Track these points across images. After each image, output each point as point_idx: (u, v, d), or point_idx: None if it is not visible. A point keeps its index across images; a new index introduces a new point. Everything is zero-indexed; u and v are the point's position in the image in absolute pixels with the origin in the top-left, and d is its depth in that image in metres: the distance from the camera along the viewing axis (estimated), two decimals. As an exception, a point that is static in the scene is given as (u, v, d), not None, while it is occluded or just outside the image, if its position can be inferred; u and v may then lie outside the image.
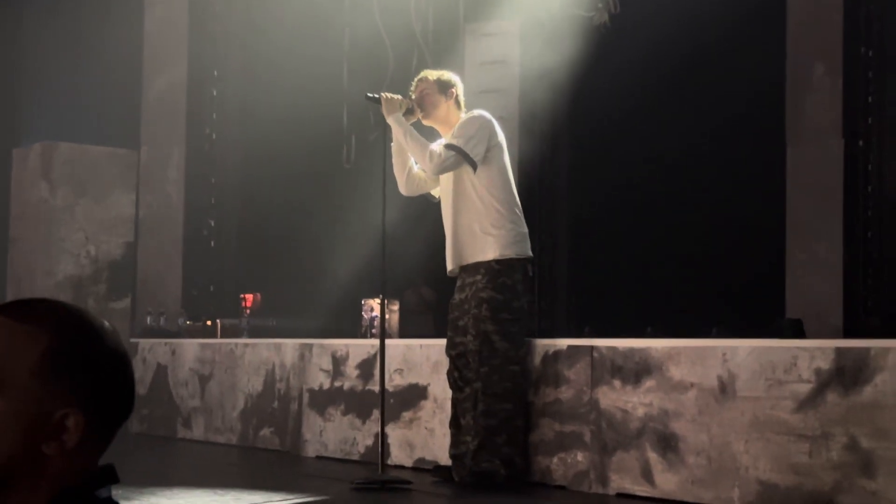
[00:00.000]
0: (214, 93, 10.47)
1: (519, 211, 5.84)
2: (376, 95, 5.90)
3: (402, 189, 6.03)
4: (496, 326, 5.67)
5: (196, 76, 10.35)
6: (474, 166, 5.73)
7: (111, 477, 1.46)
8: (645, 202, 7.99)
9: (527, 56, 8.27)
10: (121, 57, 10.40)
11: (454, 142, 5.75)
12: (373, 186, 5.91)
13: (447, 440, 5.94)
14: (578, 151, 8.43)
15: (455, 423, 5.84)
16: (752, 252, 7.37)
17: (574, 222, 8.44)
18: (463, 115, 5.93)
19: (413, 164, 5.99)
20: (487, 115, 5.89)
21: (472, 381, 5.72)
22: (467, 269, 5.83)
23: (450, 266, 5.90)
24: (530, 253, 5.85)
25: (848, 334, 6.22)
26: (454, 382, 5.86)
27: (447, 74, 6.02)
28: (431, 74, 6.00)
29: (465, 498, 5.53)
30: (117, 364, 1.45)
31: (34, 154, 9.01)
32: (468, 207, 5.77)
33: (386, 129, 5.93)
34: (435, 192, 6.06)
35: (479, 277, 5.73)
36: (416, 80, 6.00)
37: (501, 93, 8.31)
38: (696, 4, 7.31)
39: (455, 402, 5.86)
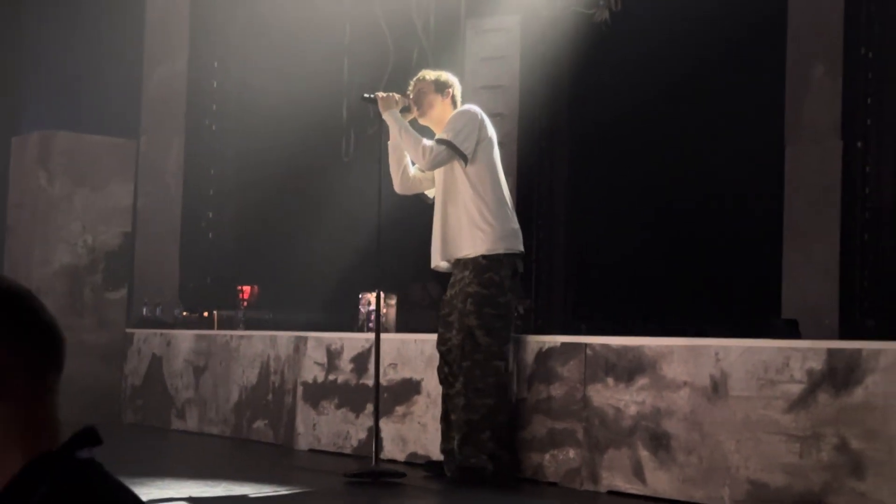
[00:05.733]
0: (215, 84, 10.45)
1: (509, 206, 5.82)
2: (372, 95, 5.92)
3: (397, 187, 6.03)
4: (479, 321, 5.65)
5: (197, 67, 10.33)
6: (465, 160, 5.72)
7: (92, 438, 1.43)
8: (643, 199, 7.97)
9: (527, 52, 8.26)
10: (121, 46, 10.38)
11: (444, 135, 5.75)
12: (371, 180, 5.89)
13: (439, 435, 5.94)
14: (577, 148, 8.42)
15: (445, 419, 5.84)
16: (748, 252, 7.36)
17: (572, 219, 8.42)
18: None
19: (409, 164, 5.98)
20: (477, 108, 5.89)
21: (459, 376, 5.72)
22: (458, 265, 5.82)
23: (434, 261, 5.89)
24: (521, 248, 5.82)
25: (844, 336, 6.20)
26: (444, 378, 5.86)
27: (445, 75, 6.02)
28: (430, 74, 6.01)
29: (455, 493, 5.53)
30: (19, 298, 1.43)
31: (33, 142, 9.00)
32: (457, 202, 5.75)
33: (383, 127, 5.93)
34: (430, 193, 6.05)
35: (466, 273, 5.72)
36: (414, 79, 6.01)
37: (501, 89, 8.31)
38: (697, 3, 7.30)
39: (445, 398, 5.86)
